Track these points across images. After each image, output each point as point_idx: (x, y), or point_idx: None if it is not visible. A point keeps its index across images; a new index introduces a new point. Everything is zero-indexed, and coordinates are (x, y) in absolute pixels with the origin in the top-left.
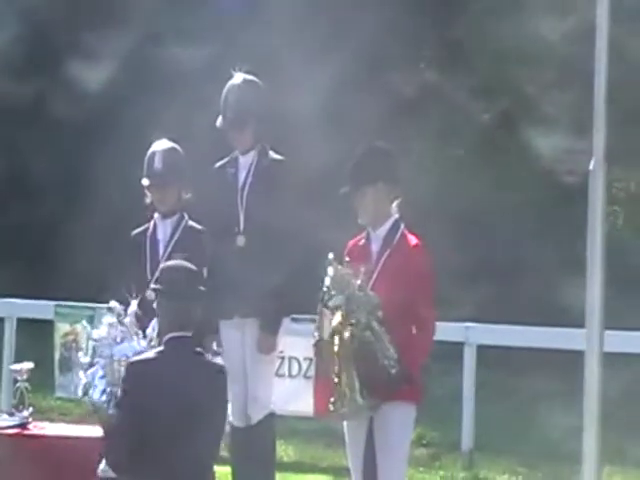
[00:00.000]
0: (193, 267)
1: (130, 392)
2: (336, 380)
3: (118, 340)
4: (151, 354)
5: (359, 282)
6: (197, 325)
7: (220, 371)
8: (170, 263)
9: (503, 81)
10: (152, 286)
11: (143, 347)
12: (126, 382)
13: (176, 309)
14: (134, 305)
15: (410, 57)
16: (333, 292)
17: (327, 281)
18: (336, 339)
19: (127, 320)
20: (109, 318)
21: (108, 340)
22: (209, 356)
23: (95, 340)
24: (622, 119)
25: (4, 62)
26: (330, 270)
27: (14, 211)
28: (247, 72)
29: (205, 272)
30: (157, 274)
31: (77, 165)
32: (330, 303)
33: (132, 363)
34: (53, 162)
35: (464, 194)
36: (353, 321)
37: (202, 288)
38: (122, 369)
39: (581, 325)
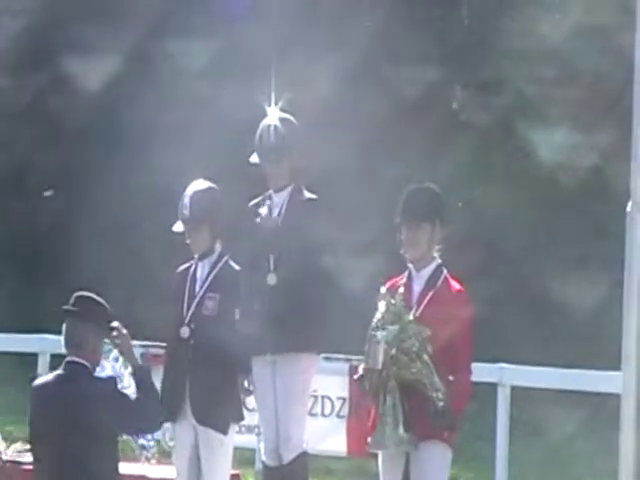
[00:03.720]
0: (101, 301)
1: (30, 412)
2: (381, 410)
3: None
4: (50, 377)
5: (411, 315)
6: (98, 352)
7: (109, 391)
8: (82, 292)
9: (504, 80)
10: (63, 307)
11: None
12: (29, 403)
13: (76, 331)
14: (115, 351)
15: (409, 56)
16: (385, 323)
17: (379, 313)
18: (386, 369)
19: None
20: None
21: None
22: (102, 379)
23: None
24: None
25: (4, 60)
26: (382, 303)
27: (12, 211)
28: (282, 109)
29: (237, 313)
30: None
31: (76, 163)
32: (381, 334)
33: (33, 386)
34: (53, 160)
35: (464, 194)
36: (404, 350)
37: (111, 324)
38: None
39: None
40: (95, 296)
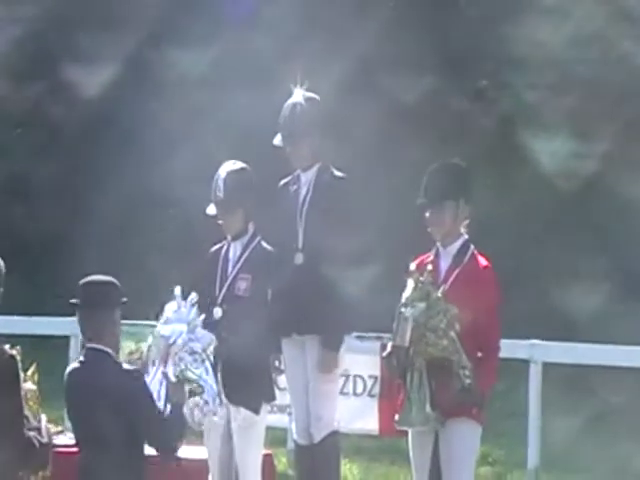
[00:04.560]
0: (107, 279)
1: (65, 397)
2: (408, 388)
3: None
4: (76, 363)
5: (439, 292)
6: (116, 334)
7: (135, 378)
8: (86, 278)
9: (503, 87)
10: (71, 301)
11: (183, 331)
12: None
13: (89, 321)
14: (193, 295)
15: (410, 63)
16: (414, 300)
17: (407, 290)
18: (413, 346)
19: (184, 307)
20: (171, 304)
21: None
22: (125, 365)
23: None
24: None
25: (4, 67)
26: (410, 280)
27: (13, 218)
28: (307, 89)
29: (269, 293)
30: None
31: (77, 170)
32: (409, 311)
33: (66, 373)
34: (52, 166)
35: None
36: (432, 327)
37: (122, 299)
38: (161, 347)
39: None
40: (99, 278)
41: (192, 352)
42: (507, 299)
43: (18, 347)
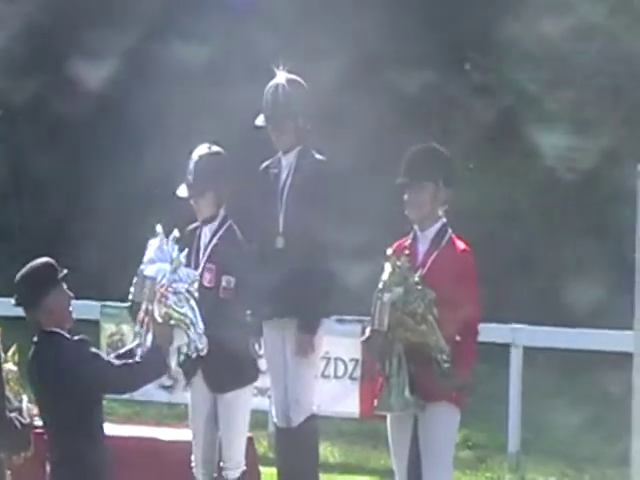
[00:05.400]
0: (34, 269)
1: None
2: (387, 372)
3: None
4: (33, 346)
5: (417, 276)
6: (58, 316)
7: (77, 357)
8: (19, 274)
9: (504, 80)
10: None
11: (167, 271)
12: None
13: (28, 318)
14: (175, 232)
15: (411, 56)
16: (391, 285)
17: (384, 275)
18: (391, 330)
19: (166, 245)
20: (154, 241)
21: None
22: (75, 337)
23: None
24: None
25: (6, 60)
26: (387, 265)
27: (15, 209)
28: (290, 71)
29: (236, 279)
30: None
31: (78, 163)
32: (387, 296)
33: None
34: (55, 160)
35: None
36: (409, 312)
37: (58, 276)
38: (146, 288)
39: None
40: (27, 270)
41: (176, 292)
42: (494, 283)
43: None
